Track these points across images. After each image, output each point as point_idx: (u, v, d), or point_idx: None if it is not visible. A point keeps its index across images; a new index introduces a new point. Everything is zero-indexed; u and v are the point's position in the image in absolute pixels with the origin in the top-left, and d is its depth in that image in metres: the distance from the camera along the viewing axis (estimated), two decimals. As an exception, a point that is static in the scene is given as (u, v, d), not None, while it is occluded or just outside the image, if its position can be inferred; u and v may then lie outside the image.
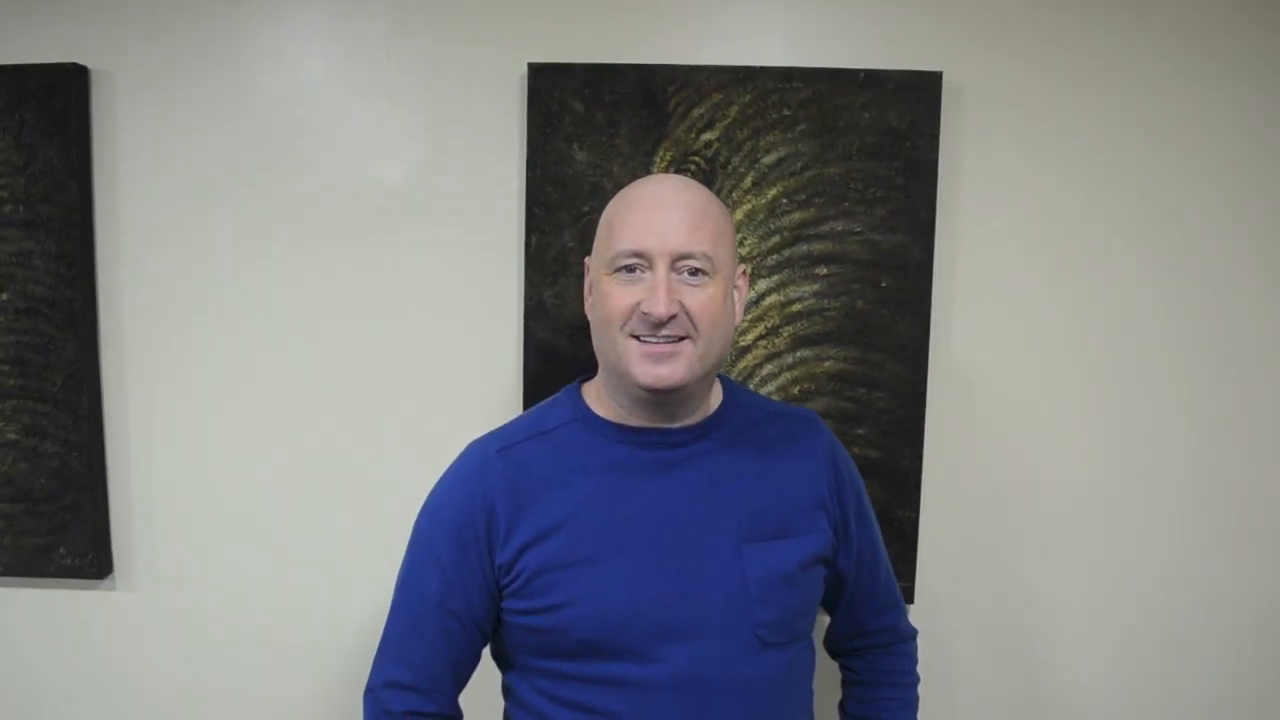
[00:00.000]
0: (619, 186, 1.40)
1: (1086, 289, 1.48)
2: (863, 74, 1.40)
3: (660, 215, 0.99)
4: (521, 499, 1.04)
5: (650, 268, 0.99)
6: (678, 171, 1.41)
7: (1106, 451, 1.51)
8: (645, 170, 1.42)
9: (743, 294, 1.09)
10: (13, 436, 1.49)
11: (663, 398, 1.03)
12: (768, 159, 1.42)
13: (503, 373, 1.49)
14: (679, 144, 1.42)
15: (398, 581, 1.11)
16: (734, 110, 1.41)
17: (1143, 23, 1.43)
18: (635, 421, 1.07)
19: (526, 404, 1.46)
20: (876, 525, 1.21)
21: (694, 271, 0.99)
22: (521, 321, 1.46)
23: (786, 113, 1.41)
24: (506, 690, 1.13)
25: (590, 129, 1.42)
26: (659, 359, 0.99)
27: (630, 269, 1.00)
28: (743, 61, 1.43)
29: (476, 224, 1.48)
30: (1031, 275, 1.47)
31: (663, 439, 1.07)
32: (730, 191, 1.43)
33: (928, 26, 1.43)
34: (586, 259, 1.10)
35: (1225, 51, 1.43)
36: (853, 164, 1.41)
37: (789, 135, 1.41)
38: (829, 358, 1.45)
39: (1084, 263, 1.47)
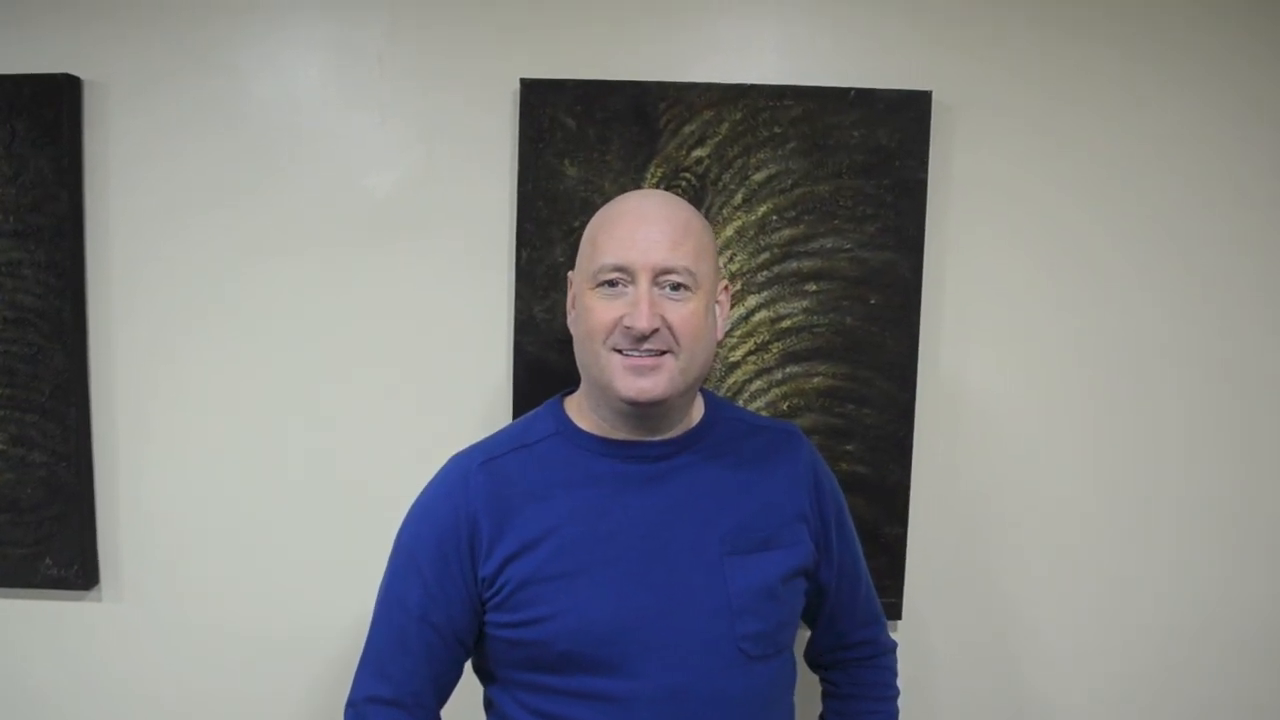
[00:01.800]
0: (609, 202, 1.42)
1: (1076, 306, 1.49)
2: (853, 92, 1.41)
3: (643, 230, 1.00)
4: (504, 512, 1.05)
5: (633, 282, 1.00)
6: (668, 188, 1.42)
7: (1097, 467, 1.51)
8: (636, 187, 1.42)
9: (725, 309, 1.10)
10: (0, 446, 1.49)
11: (645, 411, 1.04)
12: (758, 176, 1.43)
13: (493, 386, 1.50)
14: (670, 160, 1.43)
15: (379, 595, 1.10)
16: (725, 127, 1.42)
17: (1132, 40, 1.44)
18: (617, 435, 1.07)
19: (516, 417, 1.46)
20: (857, 538, 1.21)
21: (676, 286, 1.00)
22: (511, 335, 1.46)
23: (777, 130, 1.42)
24: (488, 704, 1.13)
25: (582, 145, 1.43)
26: (641, 372, 1.00)
27: (613, 283, 1.01)
28: (734, 79, 1.44)
29: (467, 238, 1.48)
30: (1020, 292, 1.48)
31: (645, 452, 1.07)
32: (721, 208, 1.44)
33: (918, 46, 1.45)
34: (569, 273, 1.11)
35: (1216, 64, 1.44)
36: (842, 182, 1.42)
37: (779, 153, 1.42)
38: (818, 374, 1.45)
39: (1074, 280, 1.48)
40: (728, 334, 1.43)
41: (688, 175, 1.43)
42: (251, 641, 1.55)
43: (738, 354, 1.46)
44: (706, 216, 1.43)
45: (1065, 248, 1.48)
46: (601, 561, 1.03)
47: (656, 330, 0.99)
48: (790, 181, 1.43)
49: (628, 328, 0.99)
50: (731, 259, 1.44)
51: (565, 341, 1.44)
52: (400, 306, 1.49)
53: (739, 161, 1.43)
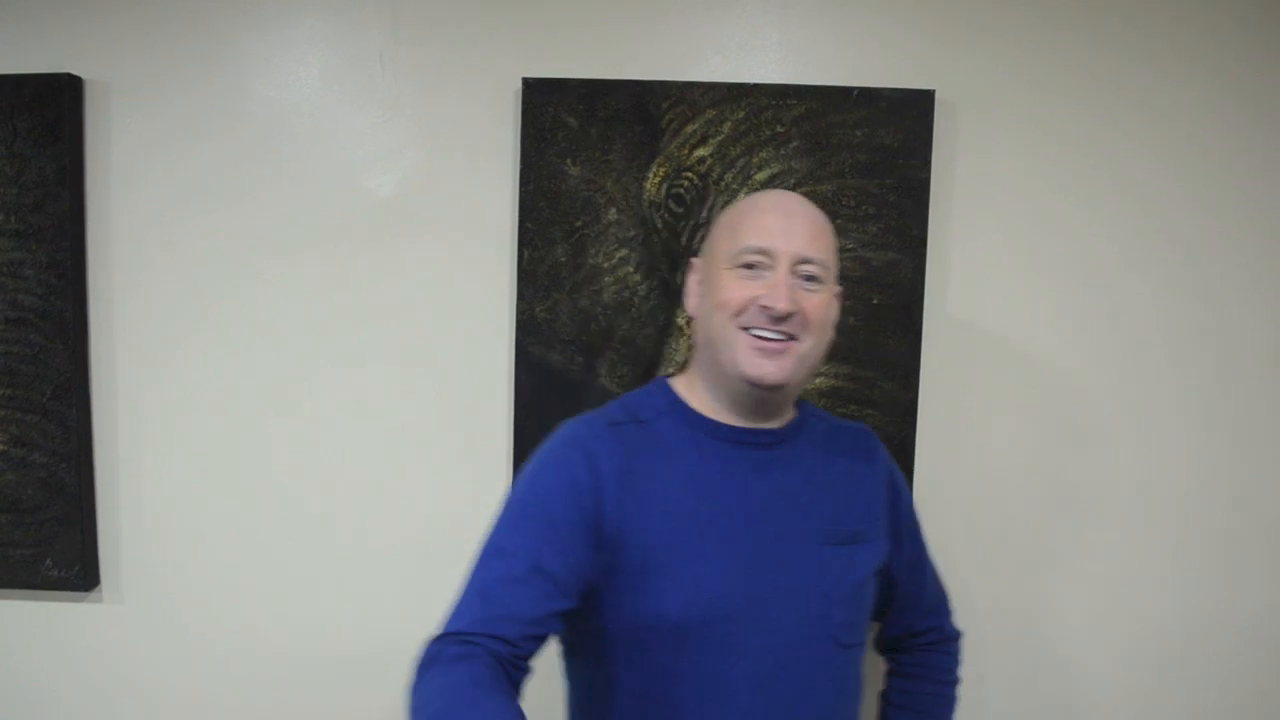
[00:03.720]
0: (612, 201, 1.42)
1: (1079, 307, 1.48)
2: (856, 92, 1.41)
3: (787, 221, 1.04)
4: (630, 477, 1.04)
5: (772, 266, 1.02)
6: (670, 188, 1.42)
7: (1100, 470, 1.51)
8: (638, 186, 1.42)
9: (836, 313, 1.12)
10: (1, 447, 1.48)
11: (763, 394, 1.06)
12: (761, 175, 1.42)
13: (494, 387, 1.49)
14: (672, 160, 1.42)
15: (485, 545, 1.04)
16: (727, 127, 1.42)
17: (1136, 40, 1.44)
18: (729, 419, 1.09)
19: (518, 418, 1.45)
20: (923, 531, 1.26)
21: (810, 277, 1.04)
22: (513, 336, 1.46)
23: (779, 130, 1.42)
24: (577, 677, 1.11)
25: (584, 144, 1.42)
26: (769, 354, 1.02)
27: (752, 265, 1.03)
28: (736, 78, 1.43)
29: (469, 238, 1.47)
30: (1023, 293, 1.48)
31: (755, 439, 1.09)
32: (723, 208, 1.42)
33: (921, 44, 1.44)
34: (692, 259, 1.14)
35: (1220, 65, 1.44)
36: (845, 181, 1.42)
37: (782, 152, 1.42)
38: (820, 374, 1.45)
39: (1077, 281, 1.47)
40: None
41: (690, 175, 1.43)
42: (253, 643, 1.54)
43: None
44: (708, 216, 1.42)
45: (1068, 249, 1.47)
46: (715, 541, 1.03)
47: (792, 314, 1.01)
48: (793, 181, 1.42)
49: (766, 307, 1.01)
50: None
51: (567, 342, 1.44)
52: (401, 307, 1.49)
53: (741, 161, 1.42)
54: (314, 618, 1.54)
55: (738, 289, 1.03)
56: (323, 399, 1.50)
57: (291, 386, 1.50)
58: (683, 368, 1.15)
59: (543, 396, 1.45)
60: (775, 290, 1.01)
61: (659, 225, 1.43)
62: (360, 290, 1.49)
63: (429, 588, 1.50)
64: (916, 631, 1.27)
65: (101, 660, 1.55)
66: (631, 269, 1.44)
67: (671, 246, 1.43)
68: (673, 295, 1.44)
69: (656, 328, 1.44)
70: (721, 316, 1.04)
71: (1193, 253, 1.47)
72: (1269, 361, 1.49)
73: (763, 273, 1.03)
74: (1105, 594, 1.53)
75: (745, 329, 1.02)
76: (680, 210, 1.43)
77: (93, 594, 1.54)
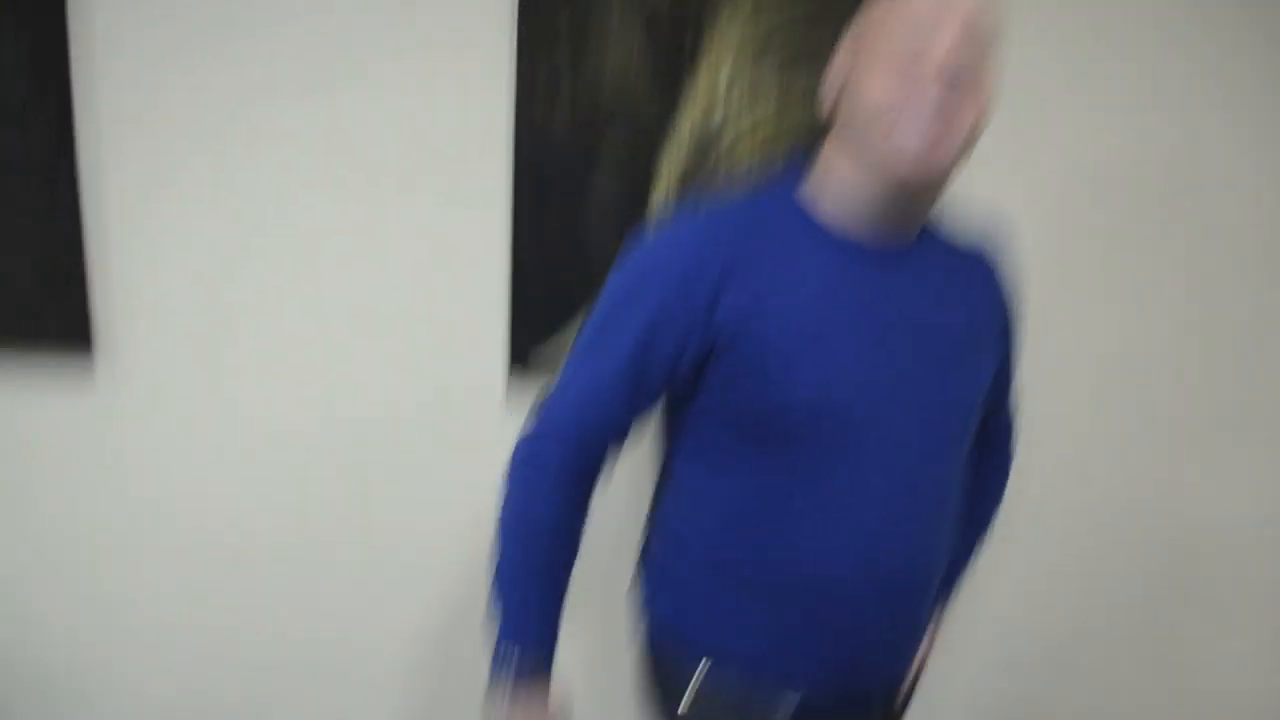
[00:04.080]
0: (613, 8, 1.38)
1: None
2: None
3: (948, 12, 0.93)
4: (751, 265, 0.99)
5: (927, 59, 0.92)
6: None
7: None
8: (642, -8, 1.39)
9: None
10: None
11: (915, 188, 0.98)
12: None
13: (492, 195, 1.48)
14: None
15: (582, 336, 1.02)
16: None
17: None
18: (860, 229, 1.02)
19: (516, 228, 1.46)
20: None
21: (972, 55, 0.93)
22: (512, 142, 1.44)
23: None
24: (678, 477, 1.09)
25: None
26: (930, 133, 0.93)
27: (907, 59, 0.93)
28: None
29: (468, 46, 1.43)
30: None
31: (885, 247, 1.03)
32: (728, 18, 1.40)
33: None
34: (835, 63, 1.02)
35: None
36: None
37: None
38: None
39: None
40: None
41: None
42: (252, 418, 1.55)
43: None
44: (711, 25, 1.40)
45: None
46: (842, 338, 0.99)
47: (957, 84, 0.92)
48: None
49: (933, 65, 0.92)
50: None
51: (564, 146, 1.42)
52: (399, 116, 1.45)
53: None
54: (311, 394, 1.54)
55: (891, 84, 0.93)
56: (317, 203, 1.48)
57: (285, 184, 1.48)
58: (814, 161, 1.05)
59: (541, 203, 1.45)
60: (945, 45, 0.91)
61: (663, 32, 1.40)
62: (352, 102, 1.45)
63: (419, 386, 1.54)
64: (987, 430, 1.22)
65: (96, 437, 1.55)
66: (633, 75, 1.42)
67: (674, 55, 1.41)
68: (672, 103, 1.43)
69: (658, 134, 1.44)
70: (871, 112, 0.95)
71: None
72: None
73: (918, 68, 0.93)
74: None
75: (898, 121, 0.93)
76: (684, 15, 1.40)
77: (86, 369, 1.52)
